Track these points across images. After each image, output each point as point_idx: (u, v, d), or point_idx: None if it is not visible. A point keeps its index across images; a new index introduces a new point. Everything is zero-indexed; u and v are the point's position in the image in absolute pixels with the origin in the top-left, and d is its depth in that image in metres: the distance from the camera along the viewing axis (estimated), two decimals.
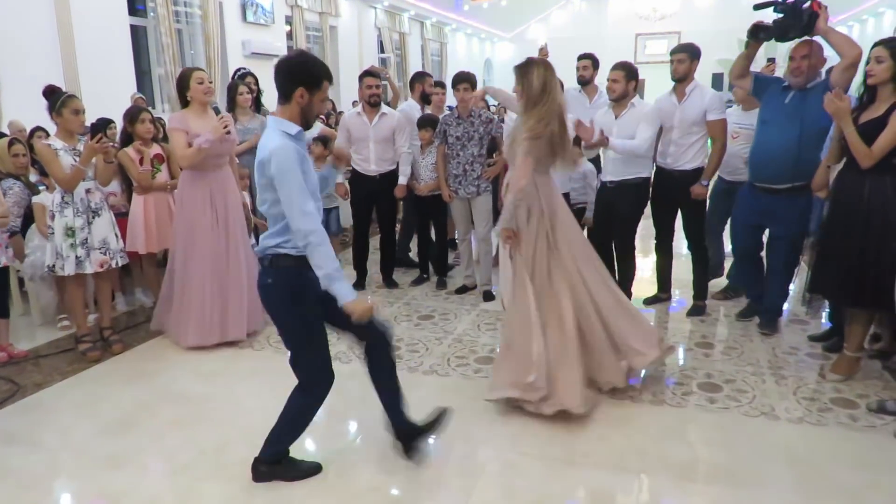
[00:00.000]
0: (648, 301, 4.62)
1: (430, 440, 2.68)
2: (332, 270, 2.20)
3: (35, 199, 4.22)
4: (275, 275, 2.32)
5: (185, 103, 3.86)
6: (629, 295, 4.42)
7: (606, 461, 2.70)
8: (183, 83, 3.81)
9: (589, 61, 5.02)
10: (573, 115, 4.70)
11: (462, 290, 4.96)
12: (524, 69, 3.04)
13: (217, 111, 3.84)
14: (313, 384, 2.45)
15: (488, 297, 4.79)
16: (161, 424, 3.04)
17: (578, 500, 2.49)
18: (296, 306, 2.34)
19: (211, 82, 3.92)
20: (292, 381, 2.46)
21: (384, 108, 4.80)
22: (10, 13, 6.56)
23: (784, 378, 3.43)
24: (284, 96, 2.29)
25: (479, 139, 4.68)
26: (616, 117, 4.12)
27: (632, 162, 4.09)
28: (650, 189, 4.29)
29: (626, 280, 4.37)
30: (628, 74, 4.06)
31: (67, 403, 3.28)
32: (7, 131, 6.11)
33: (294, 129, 2.29)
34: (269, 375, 3.44)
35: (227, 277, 3.90)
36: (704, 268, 4.39)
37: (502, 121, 4.97)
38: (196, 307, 3.85)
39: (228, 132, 3.77)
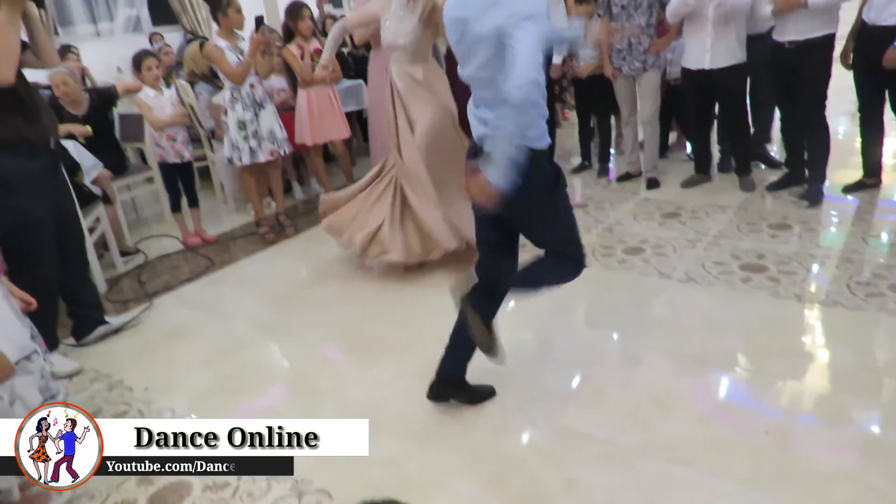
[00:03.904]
0: (849, 188, 3.89)
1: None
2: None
3: (214, 98, 4.67)
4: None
5: None
6: (823, 178, 3.78)
7: (755, 364, 2.42)
8: None
9: None
10: None
11: (625, 177, 4.63)
12: None
13: None
14: (581, 257, 2.10)
15: (653, 184, 4.40)
16: (311, 300, 3.35)
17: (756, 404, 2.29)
18: (557, 189, 1.99)
19: None
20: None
21: None
22: None
23: None
24: None
25: (647, 6, 4.14)
26: None
27: (821, 16, 3.37)
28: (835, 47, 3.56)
29: (819, 160, 3.73)
30: None
31: (243, 278, 3.75)
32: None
33: None
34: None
35: None
36: None
37: None
38: None
39: None
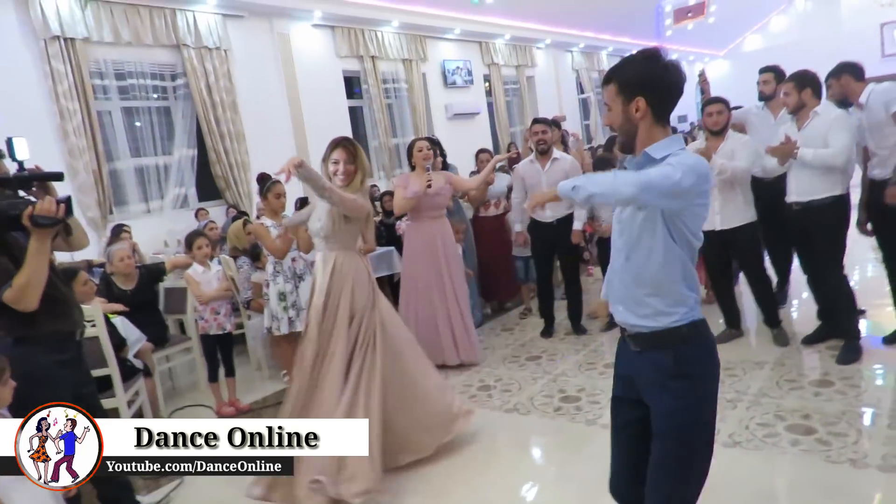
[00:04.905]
0: (890, 339, 3.83)
1: None
2: None
3: (253, 277, 4.93)
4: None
5: (412, 167, 4.52)
6: (854, 335, 3.74)
7: None
8: (410, 151, 4.52)
9: (771, 74, 4.49)
10: (756, 134, 4.25)
11: None
12: (356, 148, 3.11)
13: (427, 170, 4.35)
14: None
15: None
16: None
17: None
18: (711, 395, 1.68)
19: (429, 149, 4.46)
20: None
21: (556, 153, 4.79)
22: (257, 113, 7.95)
23: None
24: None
25: None
26: (798, 129, 3.66)
27: (823, 178, 3.56)
28: (849, 208, 3.70)
29: (845, 319, 3.74)
30: (799, 84, 3.62)
31: None
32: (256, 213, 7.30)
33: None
34: None
35: (439, 312, 4.38)
36: None
37: None
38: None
39: (429, 186, 4.23)
